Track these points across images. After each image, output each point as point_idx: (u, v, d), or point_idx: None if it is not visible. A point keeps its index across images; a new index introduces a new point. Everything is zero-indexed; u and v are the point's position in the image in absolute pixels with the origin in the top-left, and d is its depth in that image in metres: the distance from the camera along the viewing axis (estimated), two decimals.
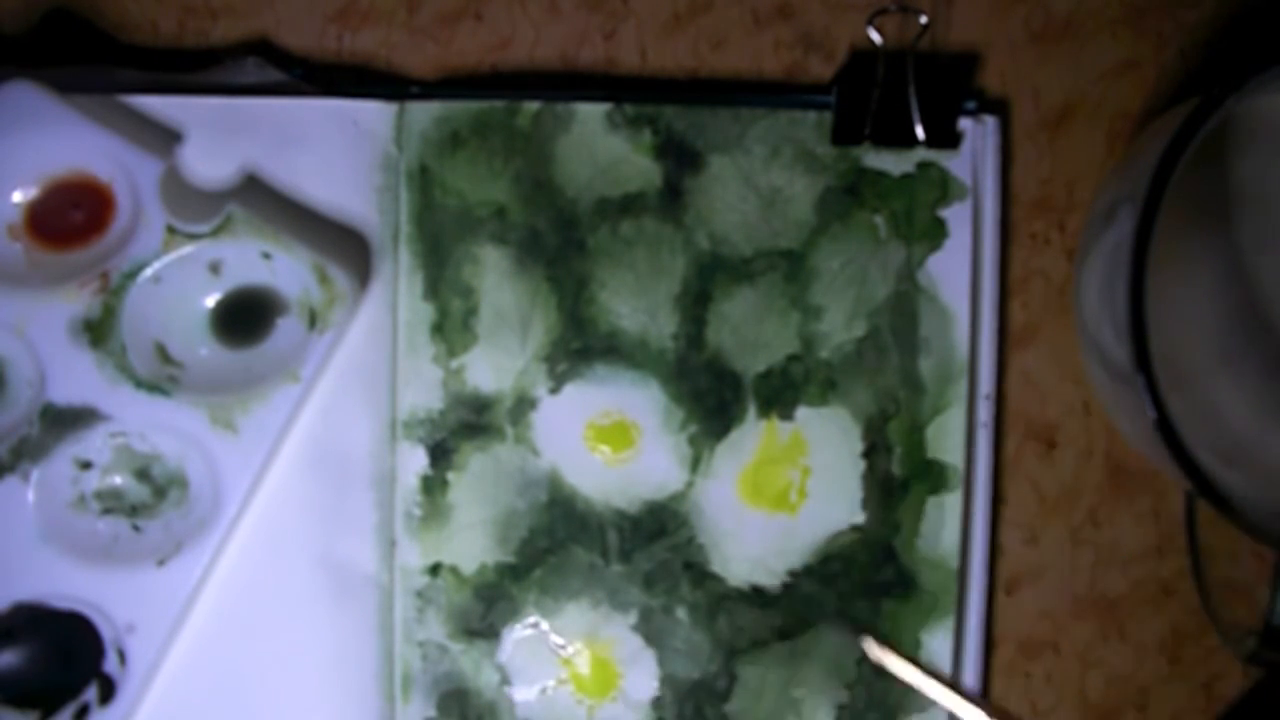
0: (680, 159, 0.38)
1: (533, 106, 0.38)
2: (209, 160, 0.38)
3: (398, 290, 0.38)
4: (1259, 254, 0.36)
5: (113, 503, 0.38)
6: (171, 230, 0.37)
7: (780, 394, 0.38)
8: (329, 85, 0.39)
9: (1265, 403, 0.36)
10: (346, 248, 0.38)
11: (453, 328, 0.38)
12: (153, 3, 0.39)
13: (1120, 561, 0.39)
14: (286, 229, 0.37)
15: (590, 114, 0.38)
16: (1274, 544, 0.37)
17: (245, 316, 0.38)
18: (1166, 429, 0.30)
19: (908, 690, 0.37)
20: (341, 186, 0.38)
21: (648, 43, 0.39)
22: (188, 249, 0.37)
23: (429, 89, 0.39)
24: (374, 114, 0.38)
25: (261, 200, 0.38)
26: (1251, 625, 0.38)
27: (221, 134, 0.38)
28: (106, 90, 0.38)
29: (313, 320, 0.37)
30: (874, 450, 0.38)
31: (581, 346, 0.38)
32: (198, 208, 0.37)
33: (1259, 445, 0.36)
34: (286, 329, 0.38)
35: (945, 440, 0.38)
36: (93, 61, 0.39)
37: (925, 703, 0.37)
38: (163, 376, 0.37)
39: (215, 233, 0.37)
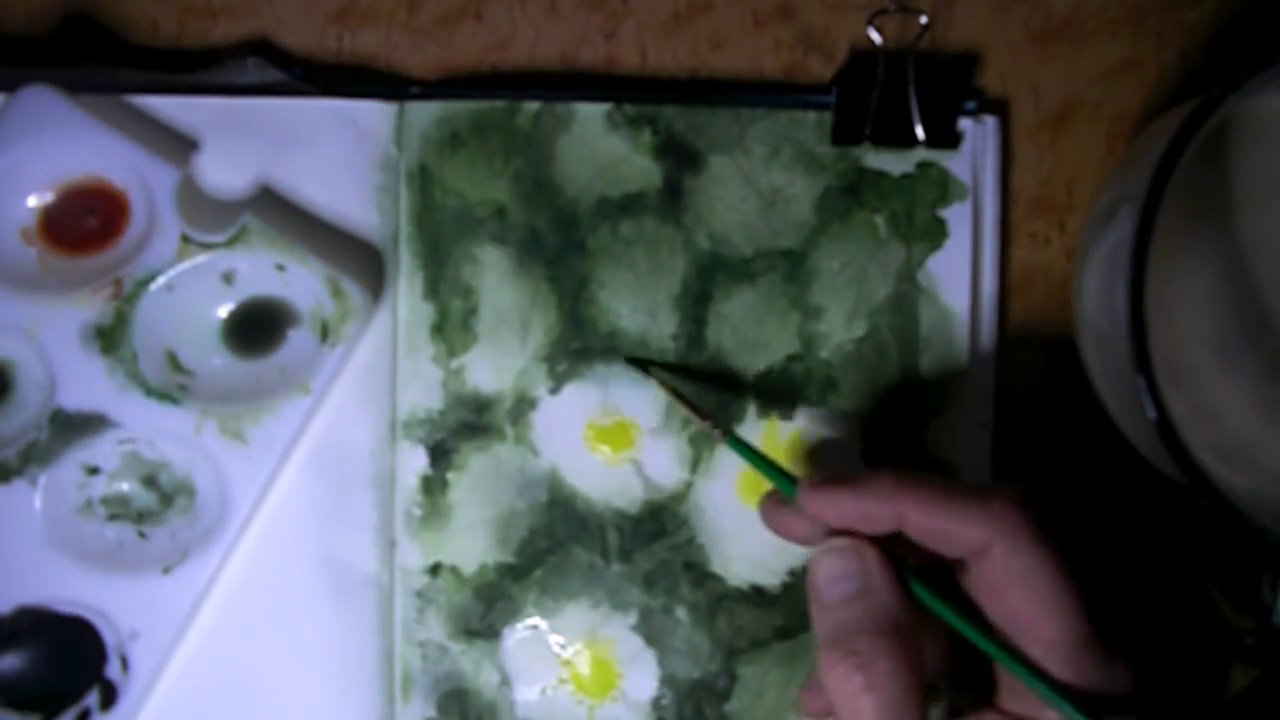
0: (680, 159, 0.38)
1: (533, 106, 0.38)
2: (224, 169, 0.38)
3: (398, 290, 0.38)
4: (1259, 254, 0.36)
5: (119, 509, 0.38)
6: (186, 239, 0.37)
7: (780, 394, 0.38)
8: (329, 85, 0.39)
9: (1265, 403, 0.36)
10: (360, 261, 0.38)
11: (453, 328, 0.38)
12: (153, 3, 0.39)
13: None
14: (301, 241, 0.37)
15: (590, 114, 0.38)
16: (1274, 544, 0.37)
17: (257, 327, 0.38)
18: (1166, 429, 0.30)
19: None
20: (341, 187, 0.38)
21: (648, 43, 0.39)
22: (202, 258, 0.37)
23: (429, 89, 0.39)
24: (374, 114, 0.38)
25: (276, 211, 0.38)
26: (1252, 625, 0.38)
27: (223, 135, 0.38)
28: (108, 90, 0.38)
29: (325, 333, 0.37)
30: (874, 450, 0.38)
31: (581, 346, 0.38)
32: (213, 217, 0.37)
33: (1259, 445, 0.36)
34: (298, 341, 0.38)
35: (945, 440, 0.38)
36: (96, 62, 0.39)
37: None
38: (173, 385, 0.37)
39: (230, 243, 0.37)
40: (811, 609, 0.31)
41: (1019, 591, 0.30)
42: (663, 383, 0.36)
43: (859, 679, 0.29)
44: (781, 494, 0.33)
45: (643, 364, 0.37)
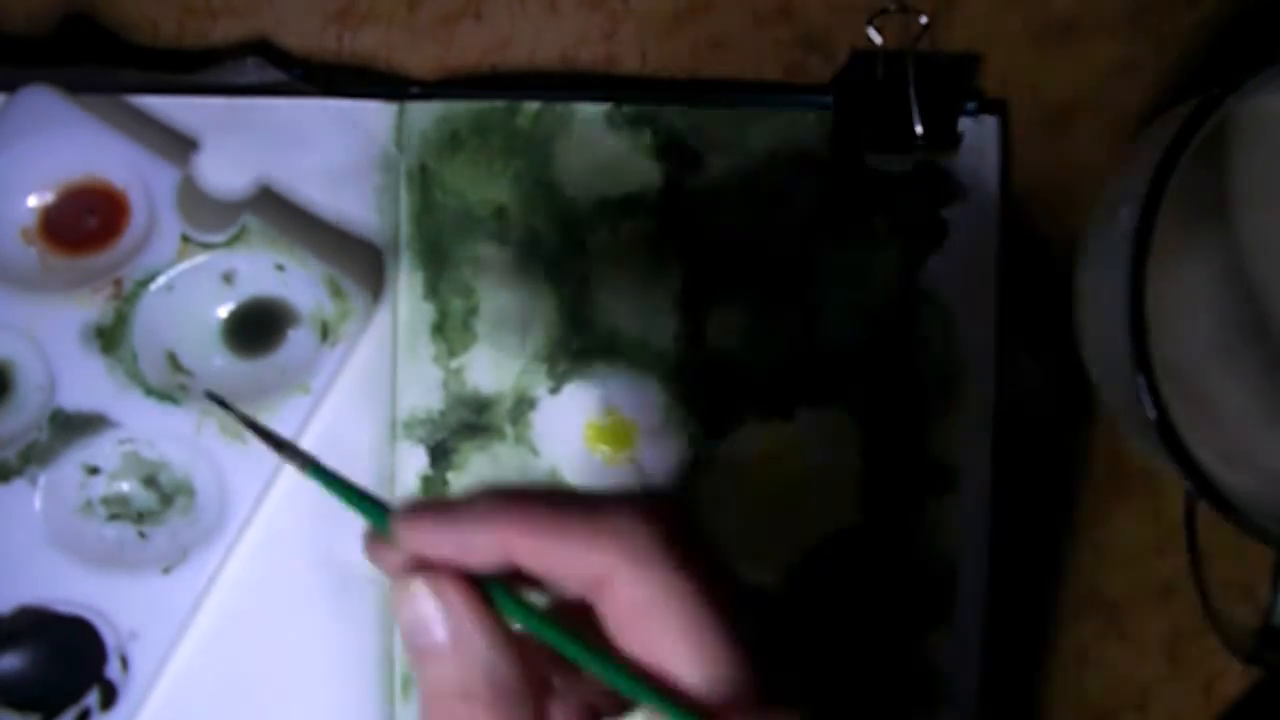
0: (680, 159, 0.38)
1: (533, 106, 0.38)
2: (224, 169, 0.38)
3: (398, 290, 0.38)
4: (1259, 254, 0.36)
5: (119, 509, 0.38)
6: (186, 239, 0.37)
7: (780, 394, 0.38)
8: (329, 85, 0.39)
9: (1265, 403, 0.36)
10: (360, 261, 0.38)
11: (453, 328, 0.38)
12: (153, 3, 0.39)
13: (1120, 561, 0.39)
14: (301, 241, 0.37)
15: (590, 114, 0.38)
16: (1274, 544, 0.38)
17: (257, 327, 0.38)
18: (1166, 429, 0.30)
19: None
20: (341, 187, 0.38)
21: (648, 43, 0.39)
22: (202, 258, 0.37)
23: (429, 89, 0.39)
24: (374, 114, 0.38)
25: (276, 211, 0.38)
26: (1252, 625, 0.38)
27: (223, 135, 0.38)
28: (108, 90, 0.38)
29: (324, 333, 0.37)
30: (874, 450, 0.38)
31: (581, 346, 0.38)
32: (213, 217, 0.37)
33: (1259, 445, 0.36)
34: (298, 341, 0.38)
35: (945, 440, 0.38)
36: (96, 62, 0.39)
37: None
38: (173, 385, 0.37)
39: (230, 243, 0.37)
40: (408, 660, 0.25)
41: (647, 626, 0.23)
42: (243, 420, 0.28)
43: None
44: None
45: (222, 401, 0.29)
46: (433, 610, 0.24)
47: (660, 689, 0.23)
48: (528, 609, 0.24)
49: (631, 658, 0.23)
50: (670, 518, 0.24)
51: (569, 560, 0.24)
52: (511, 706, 0.23)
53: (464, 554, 0.24)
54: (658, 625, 0.23)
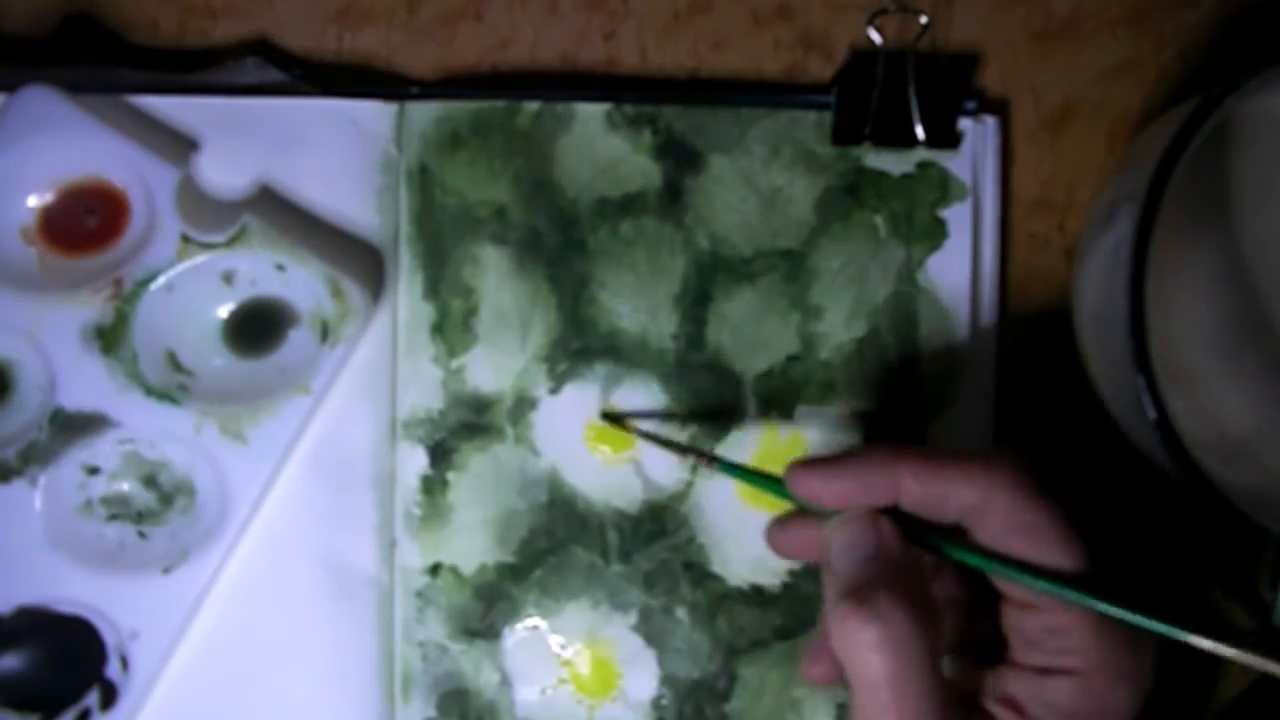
0: (680, 159, 0.38)
1: (533, 106, 0.38)
2: (224, 169, 0.38)
3: (398, 290, 0.38)
4: (1259, 254, 0.36)
5: (119, 509, 0.38)
6: (186, 239, 0.37)
7: (780, 394, 0.38)
8: (329, 85, 0.39)
9: (1265, 403, 0.36)
10: (360, 261, 0.38)
11: (453, 328, 0.38)
12: (153, 3, 0.39)
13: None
14: (301, 241, 0.37)
15: (590, 114, 0.38)
16: (1273, 543, 0.38)
17: (257, 327, 0.38)
18: (1166, 429, 0.30)
19: None
20: (341, 187, 0.38)
21: (648, 43, 0.39)
22: (202, 258, 0.37)
23: (429, 89, 0.39)
24: (374, 114, 0.38)
25: (276, 212, 0.38)
26: (1252, 625, 0.38)
27: (223, 135, 0.38)
28: (108, 90, 0.38)
29: (325, 333, 0.37)
30: None
31: (581, 346, 0.38)
32: (213, 217, 0.37)
33: (1259, 445, 0.36)
34: (298, 341, 0.38)
35: (945, 440, 0.38)
36: (96, 62, 0.39)
37: None
38: (173, 385, 0.37)
39: (230, 243, 0.37)
40: (824, 581, 0.31)
41: (1024, 543, 0.30)
42: (641, 434, 0.37)
43: (873, 632, 0.28)
44: (783, 516, 0.34)
45: (617, 420, 0.38)
46: (866, 531, 0.30)
47: (1045, 571, 0.30)
48: (937, 533, 0.31)
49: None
50: (1032, 464, 0.30)
51: (954, 494, 0.30)
52: (918, 598, 0.29)
53: (860, 495, 0.31)
54: (1031, 538, 0.30)
